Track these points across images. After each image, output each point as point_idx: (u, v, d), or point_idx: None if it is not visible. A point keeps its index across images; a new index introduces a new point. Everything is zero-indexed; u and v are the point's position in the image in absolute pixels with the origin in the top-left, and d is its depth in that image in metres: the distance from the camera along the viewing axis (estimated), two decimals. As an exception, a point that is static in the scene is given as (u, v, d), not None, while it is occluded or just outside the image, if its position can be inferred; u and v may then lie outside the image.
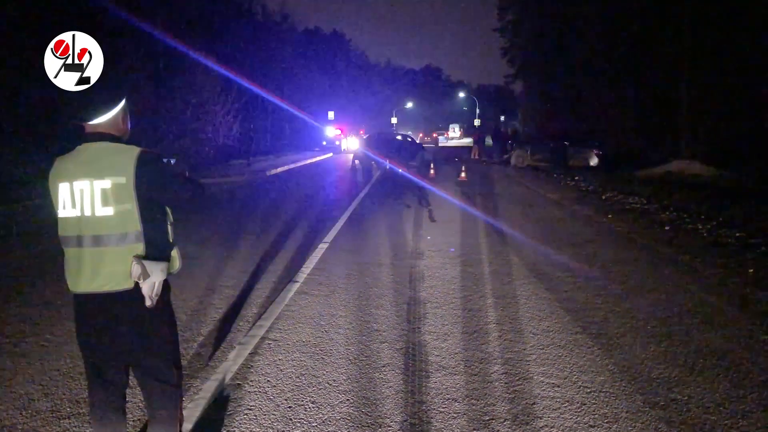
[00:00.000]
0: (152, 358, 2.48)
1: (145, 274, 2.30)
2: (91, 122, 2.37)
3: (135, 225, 2.32)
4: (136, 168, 2.29)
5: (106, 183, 2.27)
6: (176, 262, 2.59)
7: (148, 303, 2.36)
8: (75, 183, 2.31)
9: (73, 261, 2.37)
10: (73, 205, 2.32)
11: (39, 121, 15.43)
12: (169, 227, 2.55)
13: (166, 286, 2.49)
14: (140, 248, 2.33)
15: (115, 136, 2.43)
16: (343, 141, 41.09)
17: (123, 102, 2.46)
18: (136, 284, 2.33)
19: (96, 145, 2.37)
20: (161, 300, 2.44)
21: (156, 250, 2.40)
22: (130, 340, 2.41)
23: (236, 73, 27.05)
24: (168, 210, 2.54)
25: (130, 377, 2.61)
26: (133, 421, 3.27)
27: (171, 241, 2.55)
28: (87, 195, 2.29)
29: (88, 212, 2.30)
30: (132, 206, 2.30)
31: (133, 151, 2.33)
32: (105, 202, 2.28)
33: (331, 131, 43.83)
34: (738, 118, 20.99)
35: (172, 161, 2.47)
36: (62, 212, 2.36)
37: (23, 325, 4.83)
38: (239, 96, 27.62)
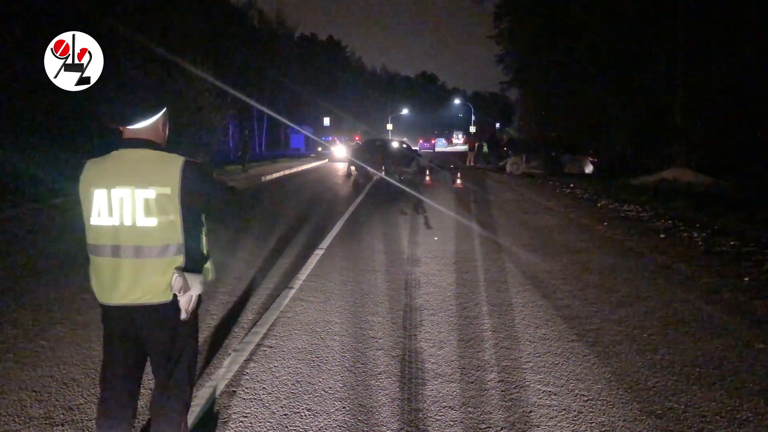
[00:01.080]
0: (177, 372, 2.45)
1: (186, 287, 2.29)
2: (131, 127, 2.31)
3: (177, 237, 2.27)
4: (181, 178, 2.24)
5: (150, 193, 2.21)
6: (209, 274, 2.55)
7: (183, 316, 2.34)
8: (114, 191, 2.22)
9: (106, 272, 2.28)
10: (110, 214, 2.23)
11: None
12: (204, 237, 2.52)
13: (199, 300, 2.46)
14: (180, 260, 2.29)
15: (156, 143, 2.36)
16: (332, 149, 39.42)
17: (165, 108, 2.42)
18: (174, 297, 2.30)
19: (137, 152, 2.29)
20: (193, 313, 2.43)
21: (194, 262, 2.37)
22: (161, 354, 2.39)
23: (232, 79, 27.07)
24: (203, 219, 2.51)
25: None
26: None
27: (206, 252, 2.52)
28: (128, 204, 2.22)
29: (128, 222, 2.22)
30: (176, 217, 2.25)
31: (178, 161, 2.27)
32: (148, 213, 2.22)
33: (325, 138, 43.83)
34: (732, 126, 21.12)
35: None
36: (96, 220, 2.26)
37: (16, 331, 4.79)
38: (235, 102, 27.62)
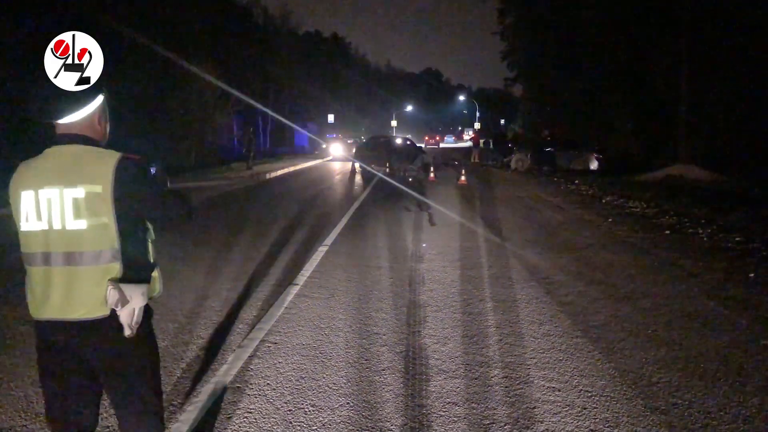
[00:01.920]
0: (138, 400, 2.16)
1: (124, 300, 2.01)
2: (62, 121, 2.07)
3: (111, 241, 2.01)
4: (114, 175, 1.99)
5: (79, 191, 1.98)
6: (157, 285, 2.27)
7: (127, 332, 2.06)
8: (41, 191, 2.01)
9: (38, 282, 2.05)
10: (39, 217, 2.01)
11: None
12: (151, 245, 2.23)
13: (147, 311, 2.18)
14: (117, 269, 2.03)
15: (91, 138, 2.12)
16: (330, 146, 37.97)
17: (100, 98, 2.14)
18: (113, 311, 2.02)
19: (68, 148, 2.06)
20: (142, 328, 2.12)
21: (135, 272, 2.10)
22: (112, 380, 2.12)
23: (236, 76, 27.08)
24: (150, 226, 2.22)
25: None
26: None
27: (152, 261, 2.23)
28: (56, 205, 1.99)
29: (57, 225, 1.99)
30: (109, 220, 2.00)
31: (112, 157, 2.03)
32: (77, 214, 1.98)
33: (328, 136, 43.53)
34: (737, 122, 21.02)
35: (152, 169, 2.29)
36: (25, 225, 2.04)
37: (23, 327, 4.82)
38: (239, 100, 27.65)
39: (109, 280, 2.01)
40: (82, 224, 1.98)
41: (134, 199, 2.06)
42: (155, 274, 2.25)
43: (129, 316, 2.05)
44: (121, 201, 2.01)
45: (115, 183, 1.99)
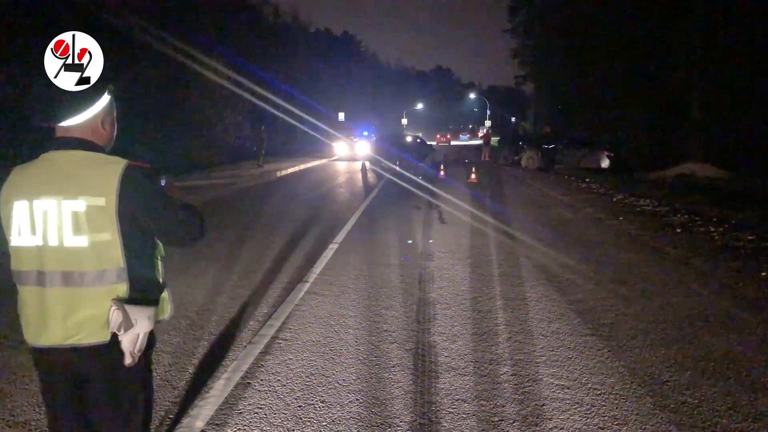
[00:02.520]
0: (117, 429, 1.97)
1: (128, 324, 1.82)
2: (62, 124, 1.89)
3: (117, 260, 1.82)
4: (120, 186, 1.80)
5: (80, 204, 1.78)
6: (167, 307, 2.09)
7: (128, 360, 1.87)
8: (36, 202, 1.81)
9: (31, 305, 1.86)
10: (33, 231, 1.81)
11: None
12: (160, 264, 2.05)
13: (150, 339, 1.99)
14: (122, 289, 1.84)
15: (94, 143, 1.92)
16: (335, 145, 35.92)
17: (106, 99, 1.96)
18: (114, 336, 1.84)
19: (67, 153, 1.87)
20: (143, 357, 1.95)
21: (142, 293, 1.91)
22: (101, 410, 1.94)
23: (247, 74, 27.17)
24: (158, 242, 2.05)
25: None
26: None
27: (161, 281, 2.05)
28: (53, 219, 1.79)
29: (53, 241, 1.80)
30: (113, 236, 1.81)
31: (118, 165, 1.85)
32: (77, 230, 1.78)
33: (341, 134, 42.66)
34: (750, 120, 20.84)
35: (163, 182, 2.20)
36: (16, 240, 1.84)
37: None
38: (251, 97, 27.75)
39: (112, 300, 1.83)
40: (82, 241, 1.79)
41: (142, 214, 1.87)
42: (165, 294, 2.07)
43: (132, 343, 1.86)
44: (127, 215, 1.82)
45: (121, 195, 1.80)
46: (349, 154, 32.41)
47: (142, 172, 1.89)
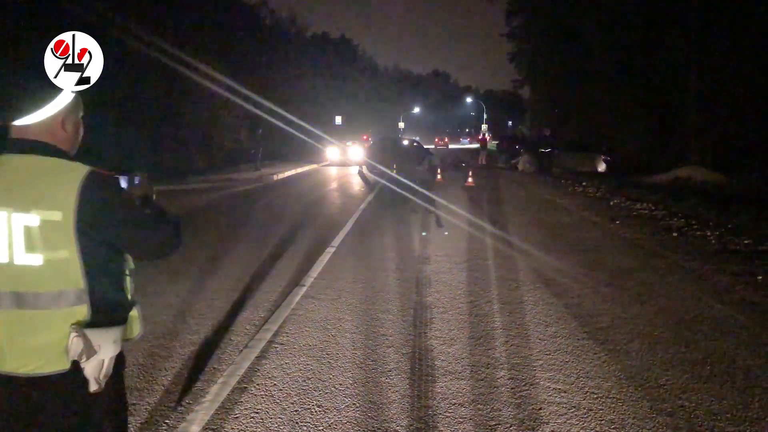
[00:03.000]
0: None
1: (90, 351, 1.61)
2: (17, 123, 1.66)
3: (75, 280, 1.61)
4: (79, 198, 1.58)
5: (32, 219, 1.57)
6: (136, 327, 1.86)
7: (93, 388, 1.65)
8: None
9: None
10: None
11: None
12: (128, 280, 1.82)
13: (119, 359, 1.78)
14: (83, 312, 1.62)
15: (53, 146, 1.69)
16: (327, 150, 33.34)
17: (68, 96, 1.74)
18: (75, 363, 1.62)
19: (21, 158, 1.65)
20: (111, 381, 1.73)
21: (106, 314, 1.69)
22: None
23: (244, 78, 27.15)
24: (127, 256, 1.82)
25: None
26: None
27: (130, 298, 1.83)
28: (2, 233, 1.59)
29: (2, 258, 1.60)
30: (71, 254, 1.59)
31: (77, 172, 1.62)
32: (30, 247, 1.58)
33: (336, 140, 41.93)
34: (747, 123, 20.91)
35: (136, 180, 2.08)
36: None
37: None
38: (247, 101, 27.73)
39: (72, 325, 1.60)
40: (36, 259, 1.58)
41: (105, 228, 1.66)
42: (133, 312, 1.85)
43: (96, 369, 1.65)
44: (88, 231, 1.61)
45: (80, 208, 1.58)
46: (342, 159, 30.97)
47: (106, 180, 1.69)
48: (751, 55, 19.80)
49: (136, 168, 1.97)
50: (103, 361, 1.66)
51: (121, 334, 1.73)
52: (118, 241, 1.72)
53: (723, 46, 20.63)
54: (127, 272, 1.82)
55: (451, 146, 77.31)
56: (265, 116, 28.00)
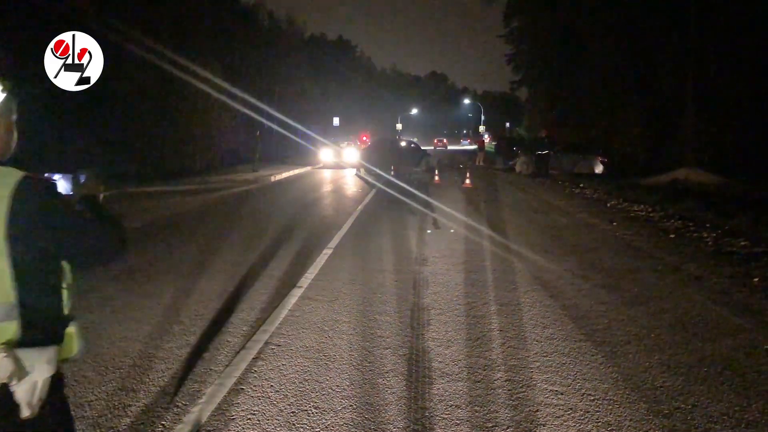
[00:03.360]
0: None
1: (21, 372, 1.47)
2: None
3: (5, 294, 1.48)
4: (11, 204, 1.47)
5: None
6: (74, 344, 1.69)
7: (26, 413, 1.49)
8: None
9: None
10: None
11: None
12: (66, 293, 1.67)
13: (57, 379, 1.61)
14: (12, 329, 1.49)
15: None
16: (321, 152, 32.24)
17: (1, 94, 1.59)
18: (4, 386, 1.47)
19: None
20: (50, 405, 1.57)
21: (39, 331, 1.55)
22: None
23: (242, 79, 27.16)
24: (65, 267, 1.67)
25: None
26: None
27: (67, 313, 1.67)
28: None
29: None
30: (1, 265, 1.47)
31: (10, 178, 1.51)
32: None
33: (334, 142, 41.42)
34: (744, 125, 20.96)
35: (82, 178, 2.00)
36: None
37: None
38: (244, 102, 27.72)
39: (0, 345, 1.47)
40: None
41: (39, 235, 1.53)
42: (71, 329, 1.68)
43: (28, 393, 1.49)
44: (21, 240, 1.48)
45: (11, 217, 1.46)
46: (336, 161, 30.44)
47: (42, 185, 1.57)
48: (748, 57, 19.85)
49: (85, 166, 1.87)
50: (37, 383, 1.50)
51: (56, 353, 1.58)
52: (53, 249, 1.59)
53: (720, 48, 20.68)
54: (64, 285, 1.67)
55: (450, 147, 77.63)
56: (263, 120, 28.02)
